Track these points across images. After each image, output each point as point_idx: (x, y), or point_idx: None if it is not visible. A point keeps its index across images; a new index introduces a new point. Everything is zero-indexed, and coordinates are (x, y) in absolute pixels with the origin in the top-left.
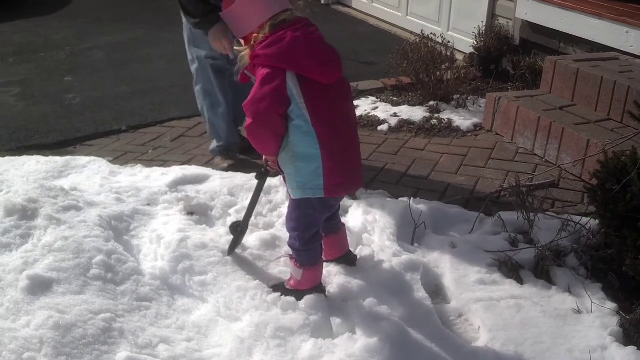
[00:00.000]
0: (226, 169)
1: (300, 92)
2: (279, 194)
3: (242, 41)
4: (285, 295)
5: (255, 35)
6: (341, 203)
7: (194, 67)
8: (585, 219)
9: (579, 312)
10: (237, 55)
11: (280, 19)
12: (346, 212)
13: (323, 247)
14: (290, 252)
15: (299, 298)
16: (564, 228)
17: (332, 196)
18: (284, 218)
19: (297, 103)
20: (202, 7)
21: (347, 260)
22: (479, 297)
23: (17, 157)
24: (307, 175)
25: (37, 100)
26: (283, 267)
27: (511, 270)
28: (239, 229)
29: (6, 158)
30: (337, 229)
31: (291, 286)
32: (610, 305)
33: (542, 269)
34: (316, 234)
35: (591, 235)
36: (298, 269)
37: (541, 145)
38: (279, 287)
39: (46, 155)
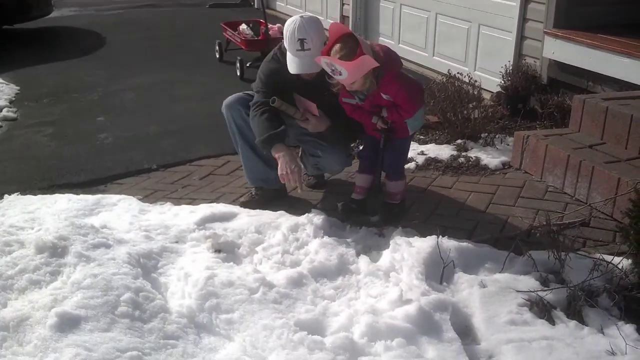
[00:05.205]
0: (252, 207)
1: None
2: (305, 231)
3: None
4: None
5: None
6: (371, 242)
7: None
8: (617, 259)
9: (612, 353)
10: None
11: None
12: (372, 248)
13: None
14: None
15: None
16: (596, 267)
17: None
18: (311, 256)
19: None
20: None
21: None
22: (510, 338)
23: (48, 195)
24: (421, 120)
25: (70, 140)
26: (310, 305)
27: (542, 310)
28: None
29: (38, 196)
30: None
31: (399, 199)
32: None
33: (574, 310)
34: None
35: (624, 274)
36: (403, 182)
37: (571, 183)
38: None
39: (77, 194)
